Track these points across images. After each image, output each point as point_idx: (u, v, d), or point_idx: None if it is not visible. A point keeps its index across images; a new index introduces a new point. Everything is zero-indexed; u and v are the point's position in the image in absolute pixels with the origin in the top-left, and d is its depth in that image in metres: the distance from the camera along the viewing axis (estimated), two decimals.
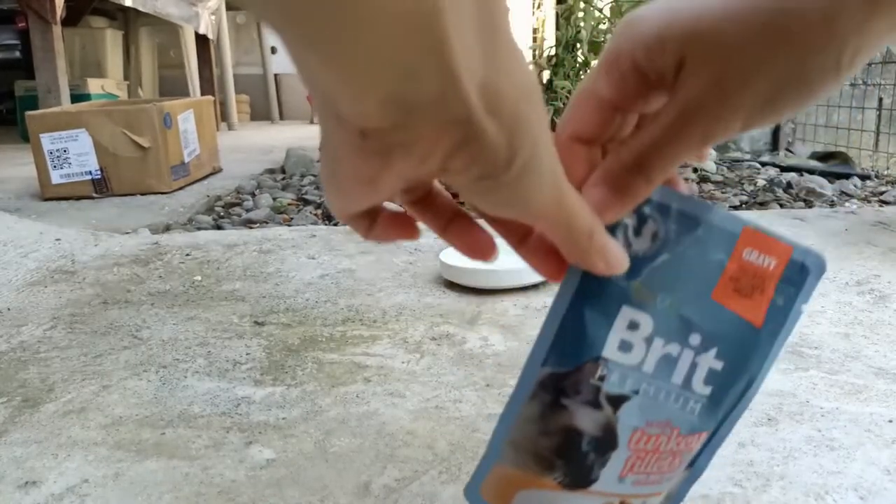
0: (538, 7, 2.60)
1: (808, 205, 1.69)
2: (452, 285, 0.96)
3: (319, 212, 1.67)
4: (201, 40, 4.21)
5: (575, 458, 0.32)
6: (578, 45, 2.23)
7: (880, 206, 1.66)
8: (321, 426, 0.60)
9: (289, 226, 1.50)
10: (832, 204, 1.70)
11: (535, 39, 2.44)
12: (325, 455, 0.55)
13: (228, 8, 4.49)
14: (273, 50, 5.07)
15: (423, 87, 0.20)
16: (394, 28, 0.18)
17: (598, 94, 0.31)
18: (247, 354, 0.76)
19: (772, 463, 0.53)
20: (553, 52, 2.28)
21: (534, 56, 2.35)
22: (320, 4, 0.18)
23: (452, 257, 1.00)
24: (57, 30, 2.41)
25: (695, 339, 0.32)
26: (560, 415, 0.32)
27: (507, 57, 0.22)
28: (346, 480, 0.52)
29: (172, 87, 4.19)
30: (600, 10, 2.22)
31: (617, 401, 0.31)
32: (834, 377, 0.67)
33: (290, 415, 0.62)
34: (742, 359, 0.32)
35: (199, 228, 1.51)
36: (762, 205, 1.69)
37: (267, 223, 1.56)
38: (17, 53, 4.24)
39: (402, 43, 0.19)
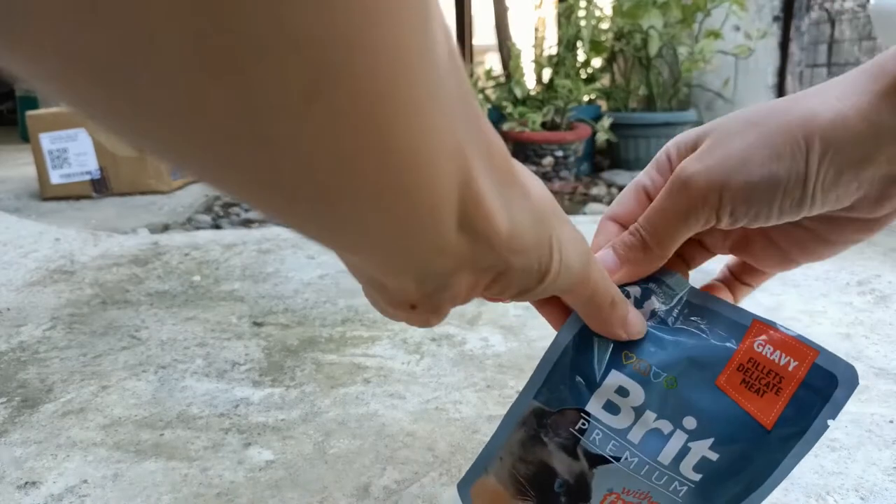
0: (539, 6, 2.60)
1: None
2: None
3: None
4: None
5: (546, 495, 0.33)
6: (579, 44, 2.23)
7: None
8: (320, 427, 0.60)
9: None
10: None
11: (535, 38, 2.44)
12: (324, 456, 0.55)
13: None
14: None
15: (453, 253, 0.21)
16: (426, 221, 0.19)
17: (641, 183, 0.34)
18: (246, 355, 0.76)
19: None
20: (554, 50, 2.28)
21: (535, 55, 2.35)
22: (356, 210, 0.17)
23: None
24: None
25: (690, 422, 0.30)
26: (538, 448, 0.33)
27: (521, 191, 0.23)
28: (345, 482, 0.51)
29: None
30: (601, 9, 2.21)
31: (595, 459, 0.31)
32: None
33: (290, 416, 0.62)
34: (743, 458, 0.30)
35: (197, 228, 1.50)
36: None
37: (266, 223, 1.56)
38: None
39: (430, 222, 0.19)
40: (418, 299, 0.24)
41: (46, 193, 1.85)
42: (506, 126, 2.09)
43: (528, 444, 0.33)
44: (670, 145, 0.33)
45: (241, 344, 0.79)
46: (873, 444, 0.55)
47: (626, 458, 0.31)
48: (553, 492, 0.32)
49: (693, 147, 0.31)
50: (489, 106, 2.24)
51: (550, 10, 2.57)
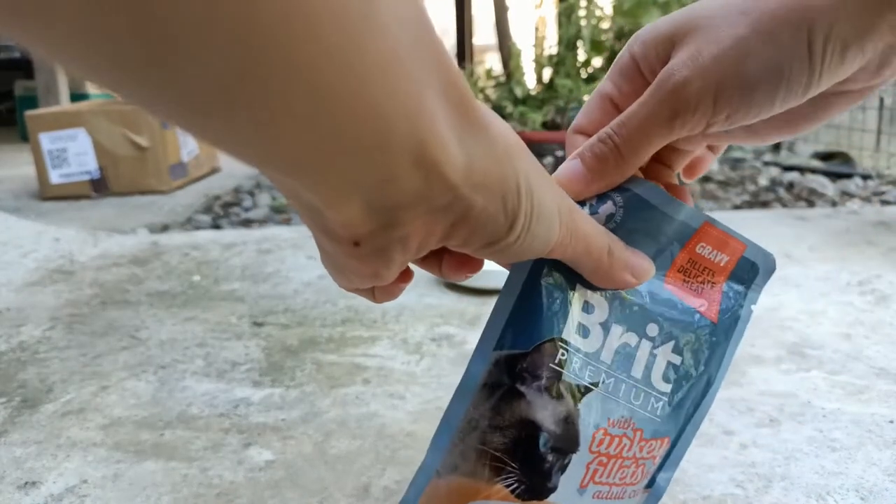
0: (539, 5, 2.60)
1: (810, 204, 1.69)
2: (452, 286, 0.96)
3: None
4: None
5: (531, 460, 0.29)
6: (580, 44, 2.23)
7: (882, 205, 1.65)
8: (320, 427, 0.59)
9: (288, 225, 1.50)
10: (834, 204, 1.70)
11: (536, 38, 2.44)
12: (324, 457, 0.55)
13: None
14: None
15: (404, 187, 0.20)
16: (370, 143, 0.18)
17: (605, 91, 0.31)
18: (245, 355, 0.76)
19: (773, 464, 0.52)
20: (554, 50, 2.27)
21: (535, 55, 2.35)
22: (296, 137, 0.17)
23: None
24: None
25: (652, 329, 0.30)
26: (516, 405, 0.29)
27: (481, 129, 0.22)
28: (345, 482, 0.51)
29: None
30: (601, 9, 2.21)
31: (577, 391, 0.29)
32: (835, 378, 0.67)
33: (290, 416, 0.62)
34: (698, 356, 0.31)
35: (197, 228, 1.50)
36: (764, 204, 1.69)
37: (266, 223, 1.56)
38: (17, 53, 4.24)
39: (379, 156, 0.19)
40: (364, 235, 0.22)
41: (46, 193, 1.84)
42: None
43: (499, 405, 0.30)
44: (634, 44, 0.30)
45: (241, 344, 0.79)
46: (873, 445, 0.55)
47: (604, 381, 0.30)
48: (538, 453, 0.29)
49: (668, 44, 0.28)
50: (489, 105, 2.24)
51: (551, 10, 2.56)
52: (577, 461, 0.29)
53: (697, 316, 0.31)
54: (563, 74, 2.16)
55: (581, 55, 2.23)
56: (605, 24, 2.21)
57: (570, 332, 0.29)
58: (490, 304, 0.92)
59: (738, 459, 0.53)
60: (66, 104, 2.37)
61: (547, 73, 2.28)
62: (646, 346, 0.30)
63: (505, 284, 0.30)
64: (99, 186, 1.86)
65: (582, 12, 2.17)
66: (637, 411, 0.30)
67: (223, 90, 0.15)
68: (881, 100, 2.19)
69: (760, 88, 0.26)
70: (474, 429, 0.30)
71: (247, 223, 1.57)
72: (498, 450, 0.29)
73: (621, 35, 2.17)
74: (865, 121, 2.24)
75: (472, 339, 0.78)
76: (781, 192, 1.83)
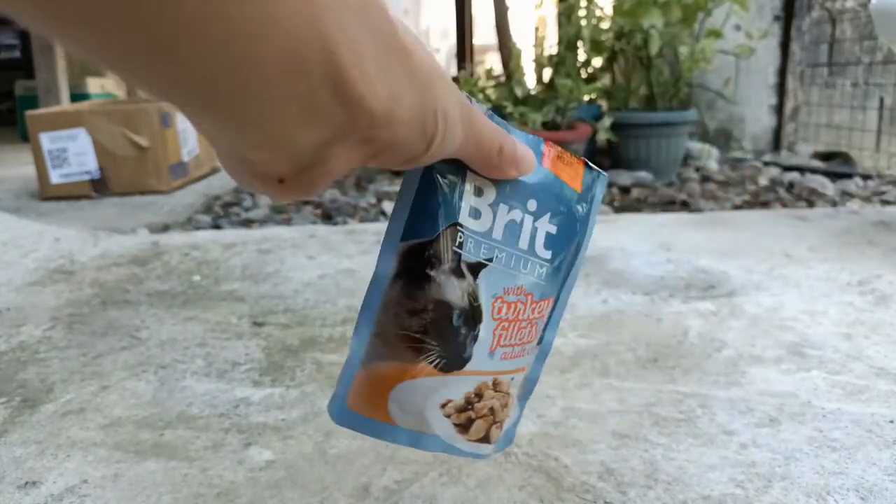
0: (539, 6, 2.60)
1: (810, 204, 1.69)
2: None
3: (319, 211, 1.67)
4: None
5: (447, 335, 0.32)
6: (580, 44, 2.23)
7: (882, 205, 1.65)
8: (321, 427, 0.59)
9: (288, 225, 1.50)
10: (834, 204, 1.70)
11: (536, 38, 2.44)
12: (324, 456, 0.55)
13: None
14: None
15: (325, 119, 0.20)
16: (284, 65, 0.18)
17: None
18: (246, 355, 0.76)
19: (773, 464, 0.52)
20: (554, 50, 2.27)
21: (535, 55, 2.35)
22: (208, 59, 0.17)
23: None
24: None
25: (532, 204, 0.34)
26: (428, 288, 0.32)
27: (403, 58, 0.22)
28: (345, 482, 0.51)
29: None
30: (601, 9, 2.21)
31: (475, 268, 0.32)
32: (835, 378, 0.67)
33: (290, 416, 0.62)
34: (571, 223, 0.35)
35: (197, 228, 1.50)
36: (764, 204, 1.69)
37: (266, 223, 1.56)
38: (17, 53, 4.24)
39: (295, 80, 0.19)
40: (287, 173, 0.22)
41: (46, 193, 1.84)
42: None
43: (414, 291, 0.32)
44: None
45: (241, 344, 0.79)
46: (874, 445, 0.55)
47: (497, 256, 0.33)
48: (453, 328, 0.32)
49: None
50: (489, 106, 2.24)
51: (551, 10, 2.56)
52: (485, 330, 0.33)
53: (567, 188, 0.35)
54: (563, 74, 2.16)
55: (581, 55, 2.23)
56: (605, 24, 2.21)
57: (465, 217, 0.32)
58: None
59: (738, 459, 0.53)
60: (66, 104, 2.37)
61: (547, 73, 2.28)
62: (528, 220, 0.34)
63: (402, 183, 0.33)
64: (99, 186, 1.86)
65: (582, 12, 2.17)
66: (526, 278, 0.34)
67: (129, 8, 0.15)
68: (881, 100, 2.19)
69: None
70: (392, 317, 0.33)
71: (247, 223, 1.57)
72: (417, 331, 0.32)
73: (621, 35, 2.17)
74: (865, 121, 2.24)
75: None
76: (782, 192, 1.83)
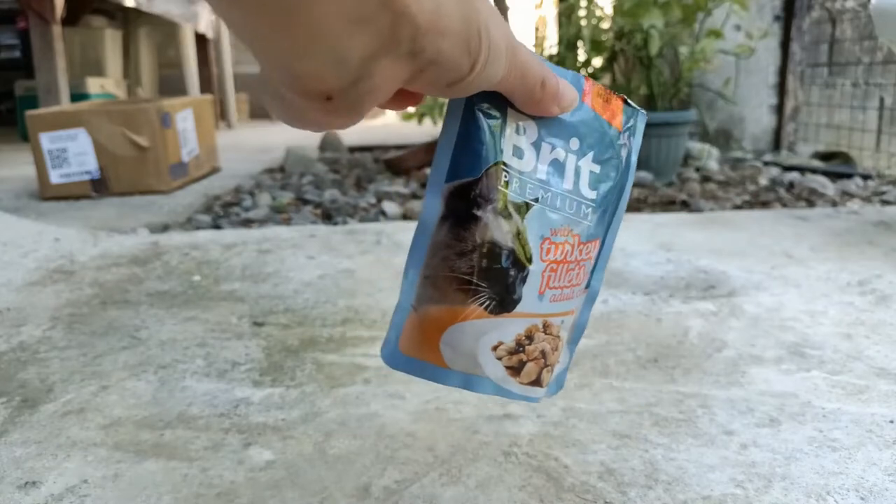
0: (539, 5, 2.60)
1: (811, 204, 1.69)
2: None
3: (319, 211, 1.67)
4: (200, 39, 4.20)
5: (497, 277, 0.32)
6: (580, 44, 2.22)
7: (882, 205, 1.65)
8: (321, 428, 0.59)
9: (288, 225, 1.50)
10: (834, 204, 1.70)
11: (536, 38, 2.44)
12: (324, 457, 0.55)
13: None
14: None
15: (373, 31, 0.21)
16: None
17: None
18: (246, 355, 0.76)
19: (773, 464, 0.52)
20: (554, 50, 2.27)
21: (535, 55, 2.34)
22: None
23: None
24: (57, 29, 2.40)
25: (574, 143, 0.34)
26: (475, 229, 0.32)
27: None
28: (345, 482, 0.51)
29: (172, 86, 4.19)
30: (601, 9, 2.21)
31: (521, 209, 0.32)
32: (835, 378, 0.67)
33: (290, 416, 0.62)
34: (614, 162, 0.35)
35: (197, 228, 1.50)
36: (764, 204, 1.69)
37: (266, 223, 1.56)
38: (18, 53, 4.24)
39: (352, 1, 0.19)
40: (335, 89, 0.22)
41: (46, 193, 1.84)
42: None
43: (461, 233, 0.32)
44: None
45: (241, 344, 0.79)
46: (874, 445, 0.55)
47: (542, 196, 0.33)
48: (502, 269, 0.32)
49: None
50: None
51: (551, 10, 2.56)
52: (534, 272, 0.33)
53: (608, 126, 0.35)
54: None
55: (581, 55, 2.23)
56: (605, 24, 2.21)
57: (508, 156, 0.32)
58: None
59: (739, 459, 0.53)
60: (66, 104, 2.37)
61: None
62: (571, 159, 0.34)
63: (444, 123, 0.32)
64: (99, 186, 1.86)
65: (582, 12, 2.17)
66: (572, 219, 0.34)
67: None
68: (881, 100, 2.19)
69: None
70: (441, 259, 0.32)
71: (247, 223, 1.57)
72: (466, 273, 0.32)
73: (621, 35, 2.17)
74: (866, 121, 2.24)
75: None
76: (782, 191, 1.83)
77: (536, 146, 0.32)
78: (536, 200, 0.32)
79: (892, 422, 0.58)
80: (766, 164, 2.27)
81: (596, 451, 0.55)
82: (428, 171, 2.15)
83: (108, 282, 1.04)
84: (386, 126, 4.14)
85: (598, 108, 0.34)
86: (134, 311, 0.90)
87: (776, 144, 2.54)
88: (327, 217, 1.62)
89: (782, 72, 2.49)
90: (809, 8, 2.43)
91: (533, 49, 2.46)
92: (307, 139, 2.96)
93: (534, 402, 0.43)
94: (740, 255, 1.09)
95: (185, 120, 2.03)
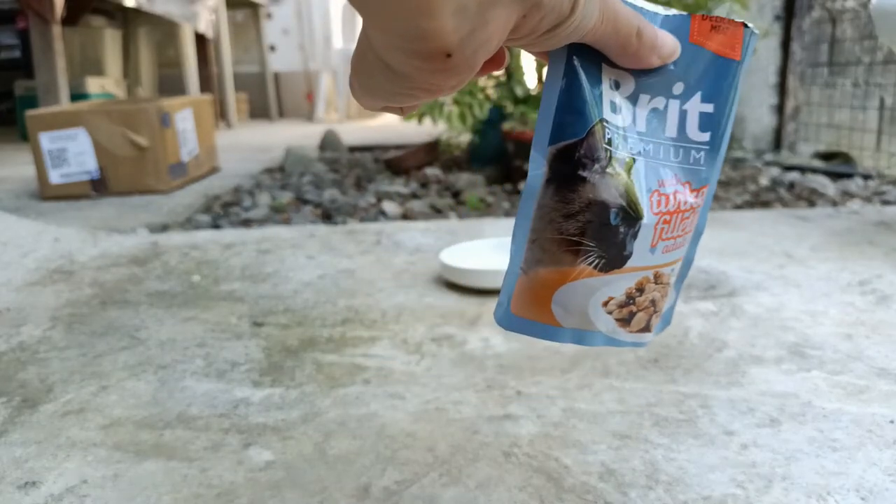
0: None
1: (811, 204, 1.69)
2: (453, 286, 0.95)
3: (319, 211, 1.67)
4: (200, 39, 4.21)
5: (606, 236, 0.32)
6: None
7: (882, 205, 1.65)
8: (320, 428, 0.59)
9: (288, 225, 1.50)
10: (834, 204, 1.69)
11: None
12: (324, 457, 0.55)
13: (228, 6, 4.49)
14: (272, 48, 5.06)
15: None
16: None
17: None
18: (245, 355, 0.76)
19: (774, 464, 0.52)
20: None
21: None
22: None
23: (453, 257, 0.99)
24: (57, 29, 2.40)
25: (678, 87, 0.33)
26: (581, 189, 0.31)
27: None
28: (345, 482, 0.51)
29: (171, 85, 4.19)
30: None
31: (626, 165, 0.32)
32: (836, 378, 0.67)
33: (289, 416, 0.62)
34: (725, 96, 0.34)
35: (197, 228, 1.50)
36: (765, 204, 1.69)
37: (266, 223, 1.56)
38: (17, 53, 4.24)
39: None
40: (455, 43, 0.23)
41: (46, 193, 1.84)
42: (506, 125, 2.09)
43: (567, 194, 0.32)
44: None
45: (241, 344, 0.79)
46: (874, 445, 0.55)
47: (645, 149, 0.32)
48: (611, 227, 0.32)
49: None
50: (490, 105, 2.24)
51: None
52: (646, 226, 0.32)
53: (721, 60, 0.33)
54: None
55: None
56: None
57: (608, 112, 0.31)
58: (490, 304, 0.92)
59: (739, 459, 0.53)
60: (66, 104, 2.37)
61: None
62: (674, 105, 0.33)
63: (545, 85, 0.32)
64: (99, 186, 1.86)
65: None
66: (680, 167, 0.33)
67: None
68: (881, 100, 2.19)
69: None
70: (549, 222, 0.32)
71: (247, 223, 1.57)
72: (575, 234, 0.32)
73: None
74: (866, 121, 2.24)
75: (472, 339, 0.78)
76: (782, 191, 1.83)
77: (633, 99, 0.32)
78: (639, 154, 0.32)
79: (892, 422, 0.58)
80: (767, 163, 2.27)
81: (596, 451, 0.55)
82: (428, 171, 2.15)
83: (108, 282, 1.03)
84: (386, 126, 4.14)
85: (710, 44, 0.33)
86: (134, 311, 0.90)
87: (777, 144, 2.54)
88: (327, 217, 1.62)
89: (783, 71, 2.49)
90: (810, 8, 2.43)
91: None
92: (307, 138, 2.96)
93: (642, 347, 0.43)
94: (741, 255, 1.09)
95: (184, 120, 2.03)
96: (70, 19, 3.49)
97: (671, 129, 0.33)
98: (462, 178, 1.97)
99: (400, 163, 2.20)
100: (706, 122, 0.33)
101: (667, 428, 0.58)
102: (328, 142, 2.79)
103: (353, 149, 2.85)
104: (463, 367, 0.71)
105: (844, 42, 2.34)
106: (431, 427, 0.59)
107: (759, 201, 1.73)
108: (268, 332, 0.82)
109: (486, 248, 1.06)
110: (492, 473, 0.52)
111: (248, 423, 0.61)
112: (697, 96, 0.33)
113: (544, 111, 0.32)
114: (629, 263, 0.33)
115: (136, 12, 3.87)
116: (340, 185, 1.99)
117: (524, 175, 2.00)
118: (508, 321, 0.35)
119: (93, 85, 3.56)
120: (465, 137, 2.30)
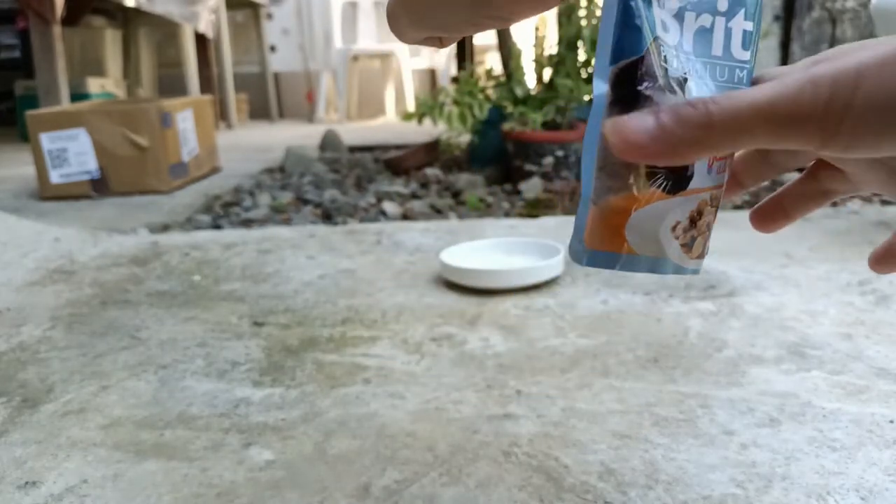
0: None
1: None
2: (453, 286, 0.95)
3: (319, 211, 1.67)
4: (200, 39, 4.21)
5: None
6: (580, 44, 2.22)
7: (882, 205, 1.65)
8: (321, 427, 0.59)
9: (288, 225, 1.50)
10: (834, 204, 1.69)
11: (536, 38, 2.44)
12: (324, 457, 0.55)
13: (228, 6, 4.49)
14: (272, 48, 5.07)
15: None
16: None
17: None
18: (246, 355, 0.76)
19: (773, 464, 0.52)
20: (554, 50, 2.27)
21: (535, 55, 2.35)
22: None
23: (453, 257, 0.99)
24: (57, 29, 2.40)
25: (723, 4, 0.33)
26: (646, 109, 0.31)
27: None
28: (345, 482, 0.51)
29: (172, 86, 4.19)
30: (601, 8, 2.21)
31: (680, 84, 0.32)
32: (836, 378, 0.67)
33: (290, 416, 0.62)
34: (760, 15, 0.34)
35: (197, 228, 1.50)
36: None
37: (266, 223, 1.56)
38: (17, 53, 4.24)
39: None
40: None
41: (46, 193, 1.84)
42: (506, 125, 2.09)
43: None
44: None
45: (241, 344, 0.79)
46: (874, 445, 0.55)
47: (693, 69, 0.32)
48: None
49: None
50: (490, 105, 2.24)
51: (551, 10, 2.57)
52: None
53: None
54: (563, 74, 2.16)
55: (581, 55, 2.23)
56: None
57: (659, 30, 0.31)
58: (490, 304, 0.92)
59: (739, 459, 0.53)
60: (66, 104, 2.37)
61: (547, 73, 2.28)
62: (720, 22, 0.33)
63: (603, 8, 0.32)
64: (99, 186, 1.86)
65: (582, 12, 2.17)
66: (726, 86, 0.33)
67: None
68: None
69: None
70: None
71: (247, 223, 1.57)
72: None
73: None
74: None
75: (472, 338, 0.78)
76: None
77: (679, 17, 0.32)
78: (689, 73, 0.32)
79: (892, 422, 0.58)
80: None
81: (596, 451, 0.55)
82: (428, 171, 2.16)
83: (108, 282, 1.04)
84: (386, 126, 4.14)
85: None
86: (134, 311, 0.90)
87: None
88: (327, 217, 1.62)
89: None
90: (809, 8, 2.43)
91: (533, 49, 2.46)
92: (307, 139, 2.96)
93: (696, 275, 0.42)
94: (740, 255, 1.09)
95: (185, 120, 2.03)
96: (70, 19, 3.49)
97: (717, 48, 0.33)
98: (462, 179, 1.97)
99: (400, 163, 2.21)
100: (747, 40, 0.34)
101: (666, 428, 0.58)
102: (328, 142, 2.79)
103: (353, 149, 2.85)
104: (463, 366, 0.71)
105: (844, 42, 2.34)
106: (431, 426, 0.59)
107: (759, 201, 1.73)
108: (268, 332, 0.82)
109: (487, 248, 1.06)
110: (491, 473, 0.52)
111: (248, 423, 0.61)
112: (741, 13, 0.33)
113: (603, 34, 0.32)
114: (691, 185, 0.33)
115: (137, 12, 3.87)
116: (341, 186, 1.99)
117: (524, 175, 2.00)
118: (583, 256, 0.34)
119: (93, 85, 3.56)
120: (465, 137, 2.30)
